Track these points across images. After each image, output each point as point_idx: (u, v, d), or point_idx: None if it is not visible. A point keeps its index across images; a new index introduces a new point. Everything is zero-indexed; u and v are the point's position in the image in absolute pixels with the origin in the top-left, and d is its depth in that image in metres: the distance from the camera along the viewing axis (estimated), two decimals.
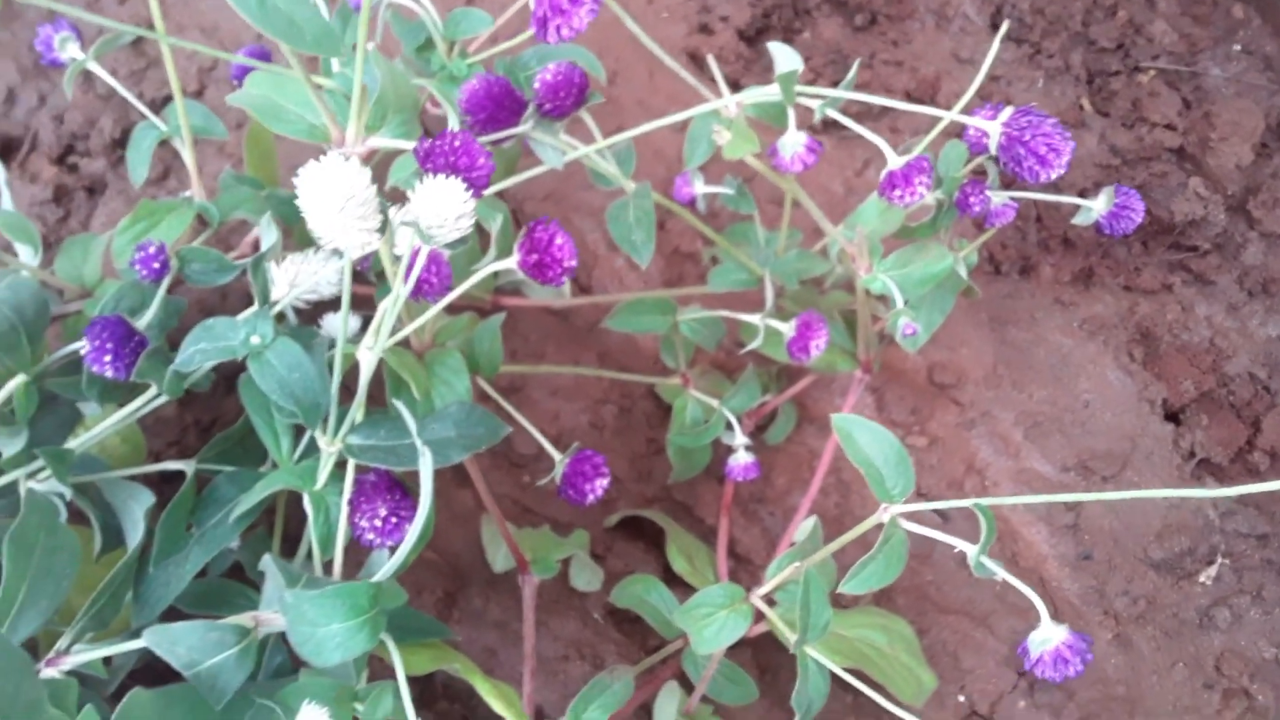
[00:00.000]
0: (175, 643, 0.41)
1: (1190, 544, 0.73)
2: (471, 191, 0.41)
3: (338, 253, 0.54)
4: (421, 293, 0.47)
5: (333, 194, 0.37)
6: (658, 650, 0.65)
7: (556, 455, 0.56)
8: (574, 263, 0.45)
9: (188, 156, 0.55)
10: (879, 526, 0.47)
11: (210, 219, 0.55)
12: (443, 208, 0.40)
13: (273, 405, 0.50)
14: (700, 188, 0.65)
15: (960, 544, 0.46)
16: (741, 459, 0.66)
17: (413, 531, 0.42)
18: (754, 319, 0.61)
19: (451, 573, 0.66)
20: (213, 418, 0.67)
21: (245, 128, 0.77)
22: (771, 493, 0.74)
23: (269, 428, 0.51)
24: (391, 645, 0.42)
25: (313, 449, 0.52)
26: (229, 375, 0.58)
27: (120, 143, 0.75)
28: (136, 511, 0.50)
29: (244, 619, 0.42)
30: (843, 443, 0.46)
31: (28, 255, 0.52)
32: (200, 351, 0.45)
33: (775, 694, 0.68)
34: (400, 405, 0.44)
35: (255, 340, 0.45)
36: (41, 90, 0.75)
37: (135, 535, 0.50)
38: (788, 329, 0.59)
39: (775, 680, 0.68)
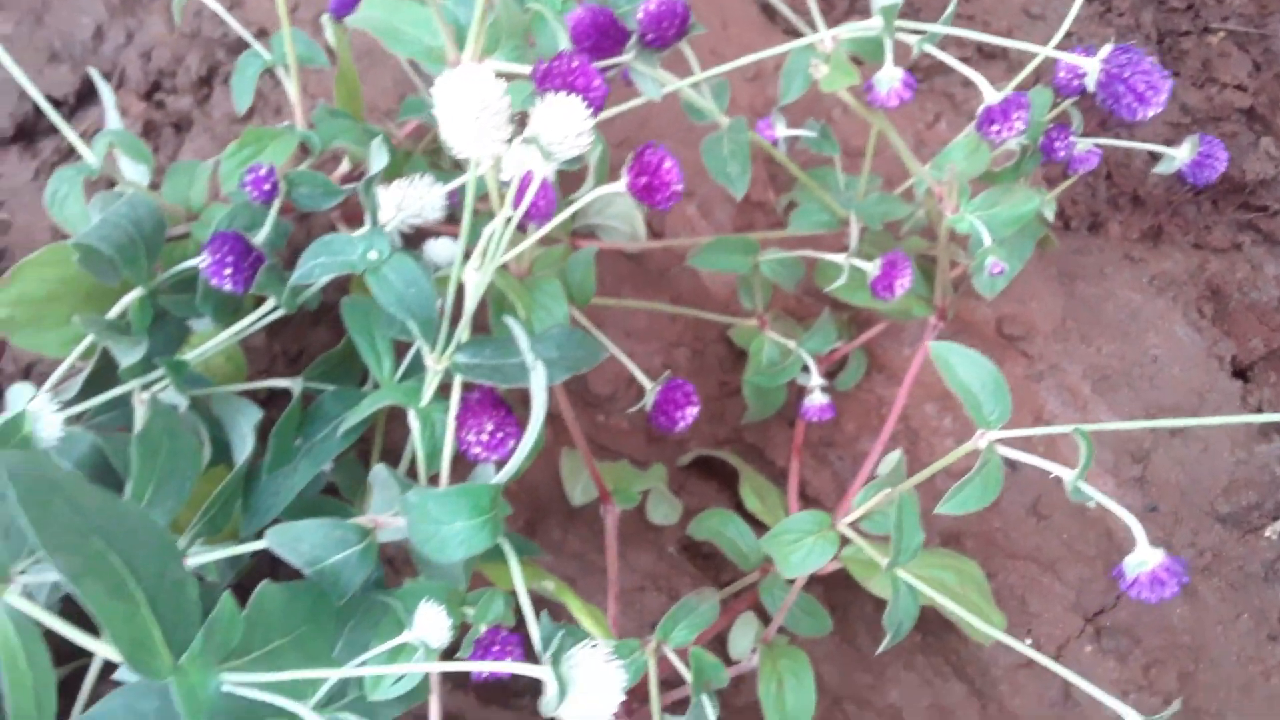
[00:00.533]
0: (299, 540, 0.43)
1: (1257, 499, 0.74)
2: (590, 110, 0.42)
3: (442, 179, 0.55)
4: (529, 216, 0.48)
5: (469, 102, 0.38)
6: (730, 585, 0.66)
7: (648, 383, 0.57)
8: (681, 186, 0.46)
9: (291, 86, 0.57)
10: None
11: (312, 147, 0.56)
12: (563, 125, 0.41)
13: (378, 324, 0.52)
14: (782, 130, 0.66)
15: (1058, 469, 0.47)
16: (817, 400, 0.67)
17: (528, 438, 0.43)
18: (838, 258, 0.61)
19: (531, 504, 0.68)
20: (300, 348, 0.69)
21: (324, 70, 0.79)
22: (840, 438, 0.75)
23: (371, 349, 0.53)
24: (508, 547, 0.43)
25: (412, 371, 0.54)
26: (314, 309, 0.60)
27: (206, 80, 0.76)
28: (244, 426, 0.52)
29: (363, 521, 0.44)
30: (941, 369, 0.47)
31: (140, 175, 0.54)
32: (319, 265, 0.46)
33: (844, 630, 0.69)
34: (513, 322, 0.46)
35: (373, 255, 0.46)
36: (129, 27, 0.77)
37: (243, 449, 0.52)
38: (872, 268, 0.60)
39: (845, 617, 0.69)
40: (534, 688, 0.65)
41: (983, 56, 0.90)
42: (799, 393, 0.71)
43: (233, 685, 0.37)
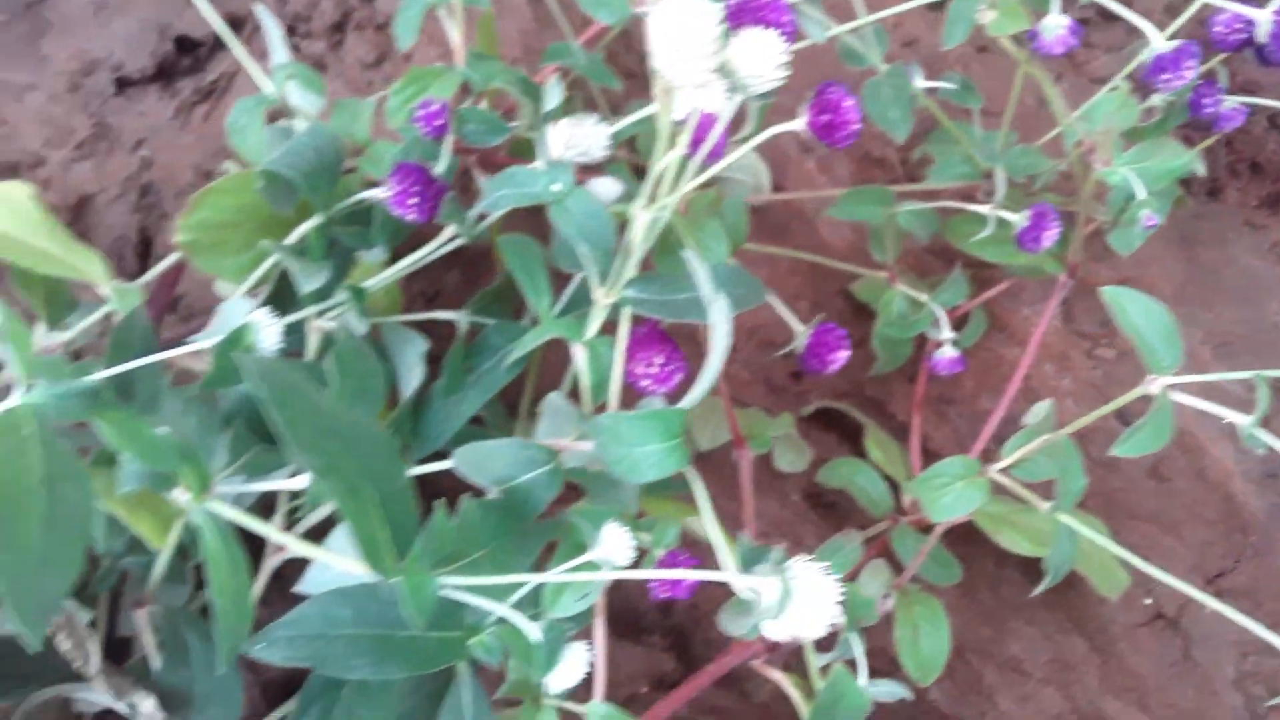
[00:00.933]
0: (489, 459, 0.44)
1: None
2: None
3: (604, 121, 0.56)
4: (695, 154, 0.49)
5: (684, 30, 0.38)
6: None
7: (799, 326, 0.57)
8: (860, 125, 0.46)
9: (454, 27, 0.57)
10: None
11: (474, 86, 0.57)
12: (759, 59, 0.42)
13: (536, 259, 0.53)
14: (920, 82, 0.66)
15: (1231, 415, 0.47)
16: (948, 353, 0.67)
17: (710, 367, 0.44)
18: (983, 210, 0.61)
19: None
20: (436, 289, 0.70)
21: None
22: (960, 395, 0.76)
23: (531, 284, 0.54)
24: (694, 473, 0.44)
25: (570, 307, 0.55)
26: (448, 253, 0.61)
27: (339, 26, 0.77)
28: (412, 355, 0.53)
29: (548, 444, 0.45)
30: (1115, 313, 0.47)
31: (310, 105, 0.55)
32: (504, 196, 0.47)
33: (964, 583, 0.69)
34: (692, 256, 0.46)
35: (556, 188, 0.47)
36: None
37: (410, 378, 0.53)
38: (1020, 219, 0.60)
39: (966, 570, 0.69)
40: (663, 626, 0.67)
41: (1101, 18, 0.89)
42: (920, 347, 0.72)
43: (447, 589, 0.38)
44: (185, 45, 0.75)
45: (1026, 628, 0.69)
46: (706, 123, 0.49)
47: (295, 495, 0.54)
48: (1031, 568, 0.70)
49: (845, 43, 0.56)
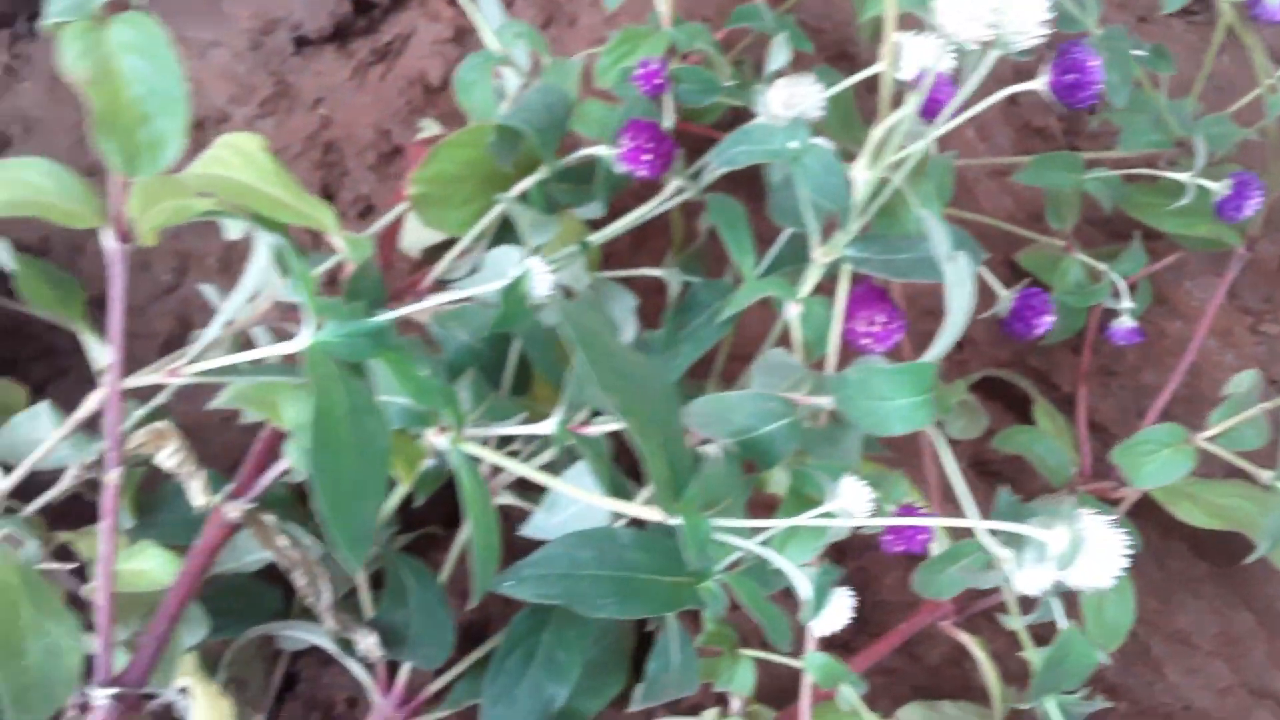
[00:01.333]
0: (730, 411, 0.45)
1: None
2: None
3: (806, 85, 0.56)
4: (931, 113, 0.49)
5: None
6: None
7: (1003, 292, 0.58)
8: (1102, 86, 0.46)
9: None
10: None
11: (679, 47, 0.58)
12: (1025, 15, 0.42)
13: (738, 223, 0.54)
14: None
15: None
16: (1126, 323, 0.67)
17: (951, 326, 0.45)
18: (1182, 178, 0.61)
19: None
20: (609, 251, 0.71)
21: None
22: (1122, 367, 0.75)
23: (737, 244, 0.54)
24: (936, 430, 0.45)
25: (774, 266, 0.56)
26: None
27: None
28: (622, 310, 0.54)
29: (787, 397, 0.46)
30: None
31: (523, 64, 0.56)
32: (742, 153, 0.48)
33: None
34: (928, 215, 0.47)
35: (793, 145, 0.47)
36: None
37: (622, 331, 0.54)
38: (1222, 188, 0.59)
39: None
40: (848, 580, 0.68)
41: None
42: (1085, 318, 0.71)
43: (717, 531, 0.40)
44: (361, 6, 0.77)
45: (1194, 601, 0.69)
46: (941, 83, 0.49)
47: (505, 442, 0.55)
48: (1198, 541, 0.70)
49: (1062, 5, 0.56)
